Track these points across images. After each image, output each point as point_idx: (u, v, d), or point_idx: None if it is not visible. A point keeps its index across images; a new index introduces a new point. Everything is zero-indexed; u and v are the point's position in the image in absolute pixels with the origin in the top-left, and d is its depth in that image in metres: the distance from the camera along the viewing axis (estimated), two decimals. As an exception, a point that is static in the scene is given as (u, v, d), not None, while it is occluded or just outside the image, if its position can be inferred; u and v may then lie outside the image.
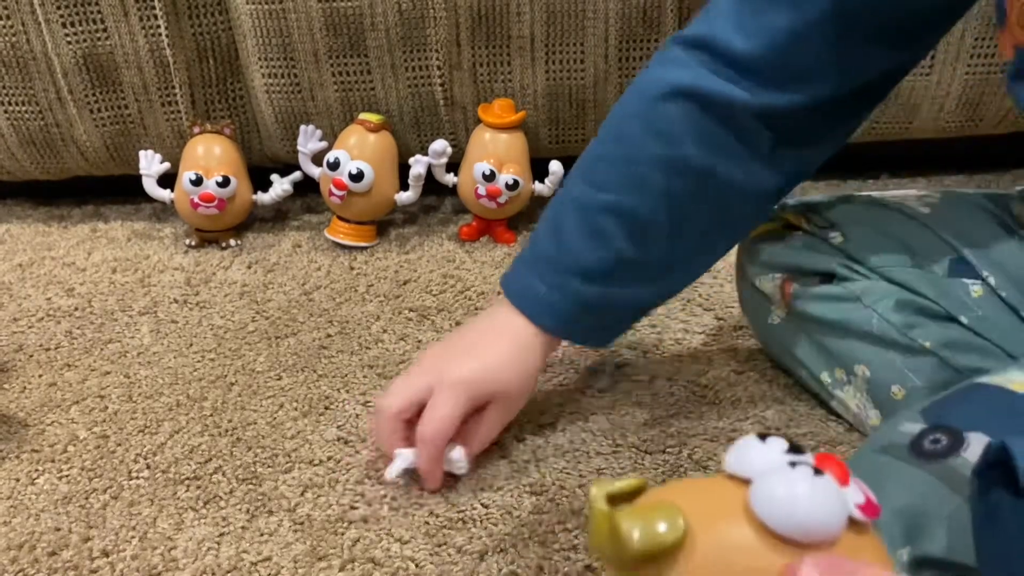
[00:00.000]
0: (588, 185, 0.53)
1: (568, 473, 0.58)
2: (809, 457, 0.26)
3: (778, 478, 0.26)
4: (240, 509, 0.56)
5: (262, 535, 0.54)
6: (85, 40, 0.85)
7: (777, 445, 0.27)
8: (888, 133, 0.91)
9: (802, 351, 0.61)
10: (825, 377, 0.60)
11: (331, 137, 0.89)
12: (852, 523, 0.26)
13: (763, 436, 0.27)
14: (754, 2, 0.48)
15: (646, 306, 0.59)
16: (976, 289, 0.54)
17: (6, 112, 0.90)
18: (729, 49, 0.49)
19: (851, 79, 0.49)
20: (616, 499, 0.27)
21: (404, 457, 0.55)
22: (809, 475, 0.26)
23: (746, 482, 0.26)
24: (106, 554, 0.54)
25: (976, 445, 0.34)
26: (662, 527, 0.26)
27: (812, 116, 0.50)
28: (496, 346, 0.54)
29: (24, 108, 0.89)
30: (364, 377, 0.69)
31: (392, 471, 0.55)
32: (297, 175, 0.91)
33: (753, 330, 0.68)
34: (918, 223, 0.57)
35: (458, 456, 0.55)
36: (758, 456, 0.27)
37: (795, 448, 0.27)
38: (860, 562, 0.25)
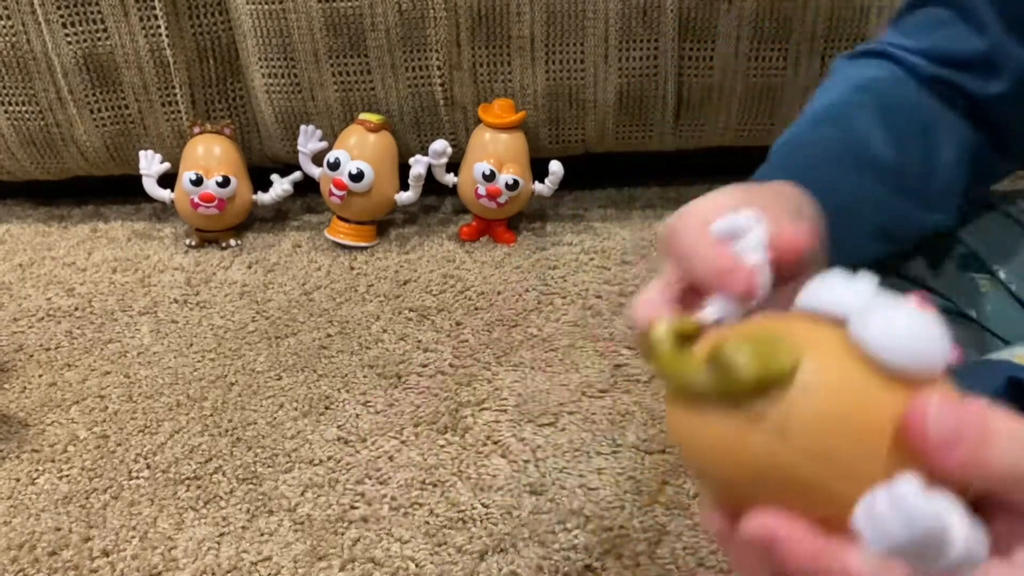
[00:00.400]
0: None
1: (568, 473, 0.58)
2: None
3: (892, 310, 0.24)
4: (240, 509, 0.57)
5: (262, 535, 0.54)
6: (85, 40, 0.85)
7: (868, 282, 0.25)
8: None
9: None
10: None
11: (331, 137, 0.89)
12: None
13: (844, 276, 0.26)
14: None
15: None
16: (984, 283, 0.54)
17: (6, 112, 0.90)
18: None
19: None
20: (680, 339, 0.26)
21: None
22: (917, 309, 0.24)
23: (832, 320, 0.25)
24: (106, 554, 0.54)
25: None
26: (775, 355, 0.24)
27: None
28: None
29: (24, 108, 0.89)
30: (364, 377, 0.69)
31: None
32: (297, 175, 0.91)
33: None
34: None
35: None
36: (851, 293, 0.25)
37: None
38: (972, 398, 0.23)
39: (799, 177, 0.42)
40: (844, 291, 0.25)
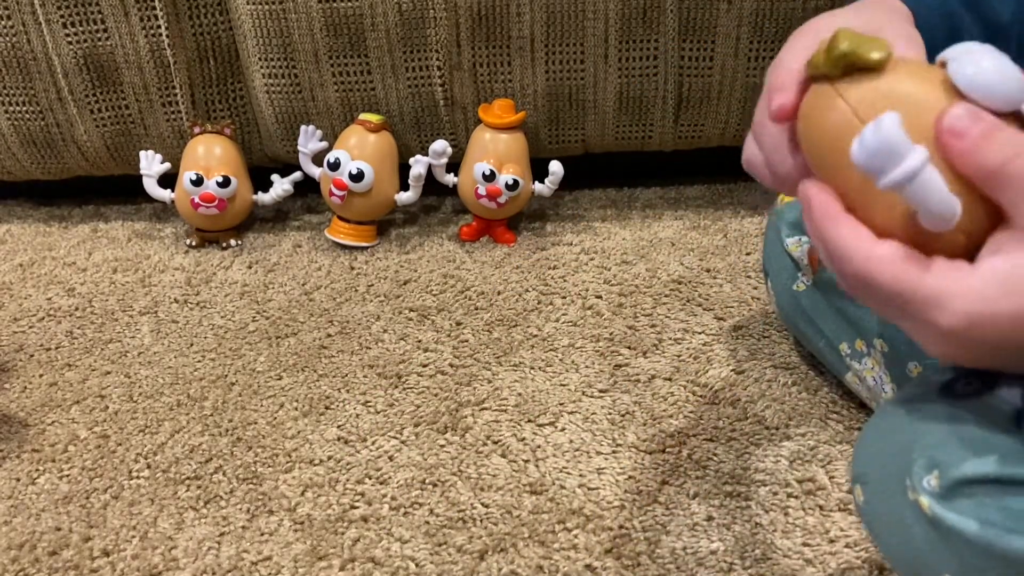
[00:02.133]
0: None
1: (568, 473, 0.58)
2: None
3: (974, 49, 0.31)
4: (240, 509, 0.57)
5: (262, 535, 0.54)
6: (85, 40, 0.85)
7: (988, 47, 0.32)
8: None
9: (823, 319, 0.61)
10: (844, 348, 0.60)
11: (331, 137, 0.89)
12: (1021, 117, 0.31)
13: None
14: None
15: None
16: None
17: (7, 112, 0.90)
18: None
19: None
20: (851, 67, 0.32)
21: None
22: (1002, 57, 0.31)
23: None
24: (107, 554, 0.54)
25: (1009, 387, 0.34)
26: (871, 48, 0.31)
27: None
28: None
29: (25, 108, 0.89)
30: (364, 377, 0.69)
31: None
32: (297, 175, 0.91)
33: (773, 296, 0.67)
34: None
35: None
36: (967, 45, 0.32)
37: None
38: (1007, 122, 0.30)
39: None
40: (962, 48, 0.32)
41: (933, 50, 0.47)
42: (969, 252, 0.31)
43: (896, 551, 0.36)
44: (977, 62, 0.31)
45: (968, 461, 0.33)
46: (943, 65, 0.32)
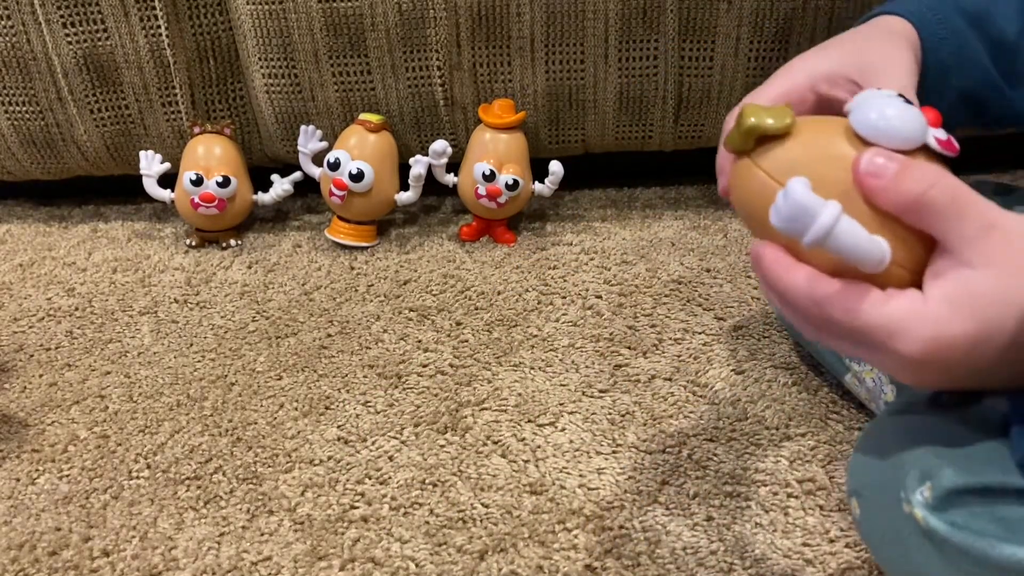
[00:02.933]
0: None
1: (568, 473, 0.58)
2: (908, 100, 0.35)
3: (873, 97, 0.34)
4: (240, 509, 0.57)
5: (262, 535, 0.54)
6: (85, 40, 0.85)
7: (887, 92, 0.35)
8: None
9: None
10: None
11: (331, 137, 0.89)
12: (929, 151, 0.34)
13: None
14: None
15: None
16: None
17: (7, 112, 0.90)
18: None
19: None
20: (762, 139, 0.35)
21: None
22: (899, 102, 0.34)
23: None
24: (106, 554, 0.54)
25: (993, 395, 0.35)
26: (777, 118, 0.34)
27: None
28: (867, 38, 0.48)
29: (24, 108, 0.89)
30: (364, 377, 0.69)
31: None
32: (297, 175, 0.91)
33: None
34: None
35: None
36: (867, 94, 0.35)
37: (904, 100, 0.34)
38: (919, 159, 0.33)
39: (917, 12, 0.48)
40: (864, 95, 0.35)
41: (940, 66, 0.48)
42: (916, 283, 0.33)
43: (893, 564, 0.37)
44: (877, 108, 0.34)
45: (959, 472, 0.33)
46: (847, 114, 0.35)
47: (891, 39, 0.46)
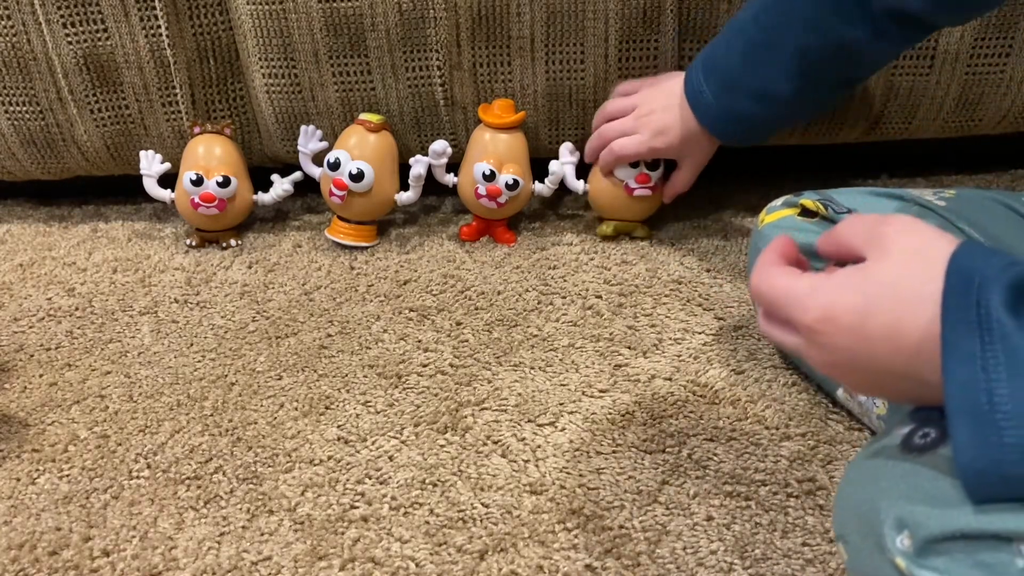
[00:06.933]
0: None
1: (568, 473, 0.58)
2: None
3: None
4: (240, 509, 0.57)
5: (262, 535, 0.54)
6: (85, 40, 0.85)
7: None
8: (887, 133, 0.91)
9: None
10: None
11: (331, 137, 0.89)
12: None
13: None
14: None
15: (782, 126, 0.81)
16: None
17: (7, 112, 0.90)
18: None
19: None
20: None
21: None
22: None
23: None
24: (107, 554, 0.54)
25: None
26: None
27: None
28: (677, 131, 0.78)
29: (25, 108, 0.89)
30: (364, 377, 0.69)
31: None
32: (297, 175, 0.91)
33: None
34: (934, 213, 0.58)
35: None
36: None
37: None
38: None
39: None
40: None
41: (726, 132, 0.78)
42: None
43: None
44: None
45: (935, 519, 0.33)
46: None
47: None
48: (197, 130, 0.88)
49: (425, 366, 0.69)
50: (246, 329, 0.76)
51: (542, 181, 0.88)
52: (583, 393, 0.66)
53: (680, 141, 0.78)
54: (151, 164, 0.90)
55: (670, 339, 0.71)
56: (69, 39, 0.85)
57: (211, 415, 0.65)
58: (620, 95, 0.83)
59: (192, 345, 0.74)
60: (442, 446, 0.61)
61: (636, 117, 0.80)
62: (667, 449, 0.59)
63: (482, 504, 0.56)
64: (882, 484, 0.36)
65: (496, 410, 0.64)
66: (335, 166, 0.86)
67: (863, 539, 0.36)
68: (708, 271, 0.81)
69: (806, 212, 0.63)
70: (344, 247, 0.89)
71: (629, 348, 0.71)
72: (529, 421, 0.63)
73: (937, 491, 0.33)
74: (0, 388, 0.70)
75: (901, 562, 0.33)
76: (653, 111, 0.79)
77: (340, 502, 0.57)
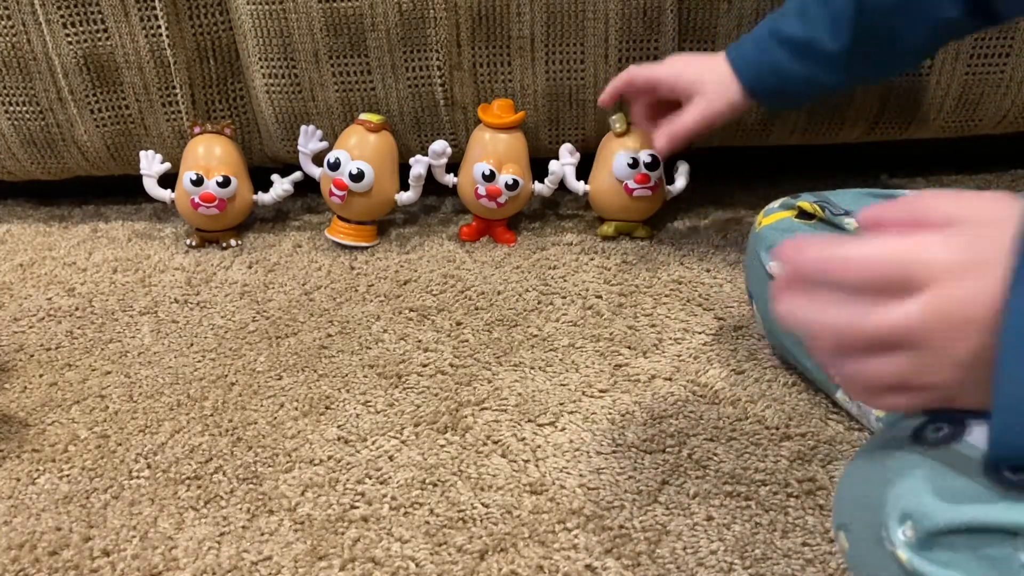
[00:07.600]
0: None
1: (568, 473, 0.58)
2: None
3: None
4: (240, 509, 0.57)
5: (262, 534, 0.54)
6: (86, 40, 0.85)
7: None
8: (887, 133, 0.91)
9: None
10: None
11: (331, 137, 0.89)
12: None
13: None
14: None
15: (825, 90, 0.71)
16: None
17: (7, 112, 0.90)
18: None
19: None
20: None
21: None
22: None
23: None
24: (107, 553, 0.54)
25: (979, 431, 0.34)
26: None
27: None
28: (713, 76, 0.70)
29: (25, 108, 0.89)
30: (364, 377, 0.69)
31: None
32: (297, 175, 0.91)
33: (759, 319, 0.68)
34: None
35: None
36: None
37: None
38: None
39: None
40: None
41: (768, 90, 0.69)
42: None
43: None
44: None
45: (941, 512, 0.33)
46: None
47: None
48: (197, 130, 0.88)
49: (425, 366, 0.70)
50: (246, 329, 0.76)
51: (542, 181, 0.88)
52: (583, 393, 0.66)
53: (701, 64, 0.71)
54: (151, 164, 0.90)
55: (670, 339, 0.71)
56: (69, 39, 0.85)
57: (211, 415, 0.65)
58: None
59: (192, 345, 0.74)
60: (442, 446, 0.61)
61: None
62: (667, 449, 0.59)
63: (482, 504, 0.56)
64: (890, 475, 0.35)
65: (496, 410, 0.64)
66: (335, 166, 0.86)
67: (865, 528, 0.35)
68: (708, 271, 0.81)
69: (803, 214, 0.63)
70: (344, 247, 0.89)
71: (629, 348, 0.71)
72: (529, 421, 0.63)
73: (947, 485, 0.33)
74: (0, 388, 0.70)
75: (903, 554, 0.33)
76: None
77: (340, 502, 0.57)
